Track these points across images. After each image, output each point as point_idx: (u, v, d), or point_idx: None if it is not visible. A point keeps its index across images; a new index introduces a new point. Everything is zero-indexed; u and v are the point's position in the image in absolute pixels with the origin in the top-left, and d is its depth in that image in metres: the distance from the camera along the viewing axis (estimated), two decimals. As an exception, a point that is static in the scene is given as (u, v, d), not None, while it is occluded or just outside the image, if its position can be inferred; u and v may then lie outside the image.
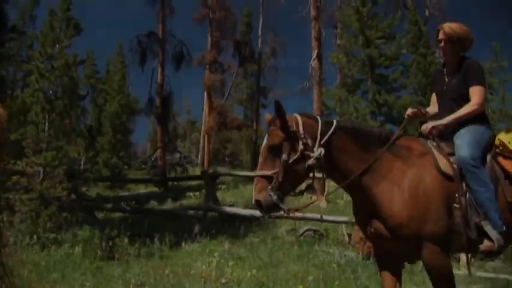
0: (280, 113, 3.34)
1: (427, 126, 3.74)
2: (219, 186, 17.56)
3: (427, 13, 27.60)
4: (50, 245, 8.94)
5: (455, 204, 3.33)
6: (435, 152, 3.53)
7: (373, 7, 15.64)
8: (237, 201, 16.12)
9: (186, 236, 10.24)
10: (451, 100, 3.85)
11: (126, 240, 8.87)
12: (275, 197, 3.21)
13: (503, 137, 3.77)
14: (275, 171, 3.27)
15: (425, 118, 4.01)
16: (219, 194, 15.20)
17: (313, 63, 20.57)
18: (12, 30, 16.95)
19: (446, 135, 3.74)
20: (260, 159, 3.44)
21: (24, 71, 23.47)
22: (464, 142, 3.54)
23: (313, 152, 3.35)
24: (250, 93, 36.41)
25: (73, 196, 12.50)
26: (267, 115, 3.61)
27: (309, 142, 3.37)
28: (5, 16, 15.57)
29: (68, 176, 11.39)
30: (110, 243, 8.55)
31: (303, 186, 3.76)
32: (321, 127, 3.45)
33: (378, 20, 15.51)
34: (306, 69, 21.86)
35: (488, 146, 3.65)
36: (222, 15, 28.95)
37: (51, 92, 12.38)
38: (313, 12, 20.95)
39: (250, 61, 33.41)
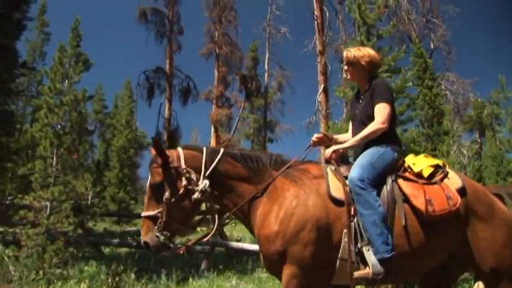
0: (158, 150, 3.34)
1: (328, 151, 3.66)
2: (226, 221, 17.46)
3: (432, 45, 27.80)
4: (55, 281, 8.83)
5: (344, 230, 3.22)
6: (330, 176, 3.45)
7: (378, 41, 15.74)
8: (244, 236, 15.99)
9: (193, 271, 10.12)
10: (360, 123, 3.80)
11: (132, 276, 8.77)
12: (162, 238, 3.20)
13: (409, 159, 3.71)
14: (159, 211, 3.25)
15: (331, 143, 3.94)
16: (226, 229, 15.10)
17: (320, 97, 20.66)
18: (22, 66, 17.18)
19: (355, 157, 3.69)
20: (145, 199, 3.41)
21: (33, 106, 23.79)
22: (357, 164, 3.48)
23: (197, 185, 3.32)
24: (257, 128, 36.51)
25: (80, 231, 12.47)
26: (152, 151, 3.50)
27: (193, 176, 3.35)
28: (15, 52, 15.81)
29: (74, 211, 11.34)
30: (117, 279, 8.46)
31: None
32: (205, 158, 3.43)
33: (383, 53, 15.53)
34: (312, 103, 21.96)
35: (389, 168, 3.55)
36: (228, 50, 29.23)
37: (59, 126, 12.46)
38: (318, 47, 21.16)
39: (257, 95, 33.60)
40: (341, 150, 3.65)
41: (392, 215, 3.32)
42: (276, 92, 34.61)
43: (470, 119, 22.62)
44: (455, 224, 3.40)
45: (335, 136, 4.12)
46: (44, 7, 30.96)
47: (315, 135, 3.94)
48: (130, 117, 28.14)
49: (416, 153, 11.07)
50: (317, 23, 21.48)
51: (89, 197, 22.76)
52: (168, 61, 27.79)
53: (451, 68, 28.06)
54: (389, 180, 3.47)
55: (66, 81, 21.13)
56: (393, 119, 3.75)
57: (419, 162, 3.64)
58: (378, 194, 3.36)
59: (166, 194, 3.26)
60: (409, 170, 3.63)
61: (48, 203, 10.69)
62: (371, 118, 3.66)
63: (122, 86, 31.56)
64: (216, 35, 29.84)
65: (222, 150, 3.55)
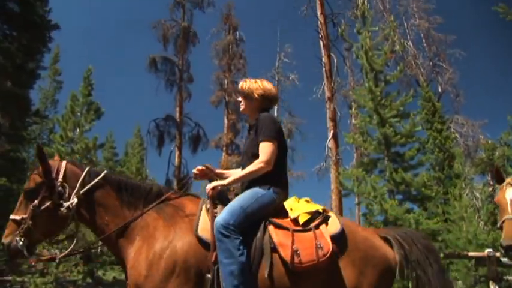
0: (40, 158, 3.30)
1: (208, 187, 3.46)
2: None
3: (439, 89, 27.94)
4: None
5: (208, 275, 3.07)
6: (203, 215, 3.29)
7: (386, 86, 15.87)
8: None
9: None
10: (247, 159, 3.63)
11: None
12: (20, 243, 3.11)
13: (288, 204, 3.47)
14: (24, 216, 3.18)
15: (214, 177, 3.75)
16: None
17: (329, 143, 20.66)
18: (35, 114, 17.47)
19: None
20: (17, 203, 3.34)
21: (44, 153, 23.98)
22: (228, 207, 3.28)
23: (66, 201, 3.25)
24: (267, 174, 36.39)
25: (89, 280, 12.34)
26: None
27: (66, 191, 3.28)
28: (29, 101, 16.13)
29: (84, 260, 11.26)
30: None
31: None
32: (84, 177, 3.36)
33: (392, 98, 15.68)
34: (322, 149, 21.97)
35: (265, 212, 3.34)
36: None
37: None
38: (327, 93, 21.32)
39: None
40: (219, 187, 3.47)
41: (258, 264, 3.13)
42: (286, 138, 34.64)
43: (482, 161, 22.41)
44: (328, 273, 3.21)
45: (224, 171, 3.93)
46: (56, 56, 31.71)
47: (197, 168, 3.79)
48: (141, 165, 28.23)
49: (428, 198, 10.97)
50: (325, 70, 21.72)
51: (98, 246, 22.72)
52: (178, 109, 28.07)
53: (459, 110, 28.09)
54: (261, 227, 3.27)
55: (78, 130, 21.46)
56: (281, 157, 3.57)
57: (297, 208, 3.42)
58: (250, 240, 3.18)
59: (35, 202, 3.20)
60: (287, 215, 3.41)
61: (57, 251, 10.63)
62: (255, 155, 3.50)
63: (132, 133, 31.92)
64: (226, 82, 30.28)
65: (103, 173, 3.47)
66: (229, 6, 32.42)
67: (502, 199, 4.01)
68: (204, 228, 3.19)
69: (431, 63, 29.24)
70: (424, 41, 30.24)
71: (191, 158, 28.63)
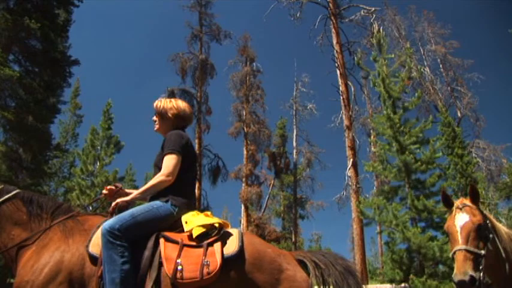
0: None
1: (112, 203, 3.42)
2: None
3: (459, 114, 27.65)
4: None
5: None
6: (98, 230, 3.19)
7: (405, 113, 15.79)
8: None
9: None
10: (154, 173, 3.62)
11: None
12: None
13: (184, 217, 3.36)
14: None
15: (123, 195, 3.71)
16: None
17: (349, 172, 20.56)
18: (55, 148, 17.71)
19: None
20: None
21: (65, 187, 24.20)
22: (119, 214, 3.22)
23: None
24: (288, 205, 36.14)
25: None
26: None
27: None
28: (49, 135, 16.35)
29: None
30: None
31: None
32: None
33: (410, 125, 15.58)
34: (342, 178, 21.83)
35: (158, 224, 3.27)
36: (256, 129, 29.58)
37: (91, 208, 12.58)
38: (346, 122, 21.31)
39: (286, 172, 33.61)
40: (120, 203, 3.39)
41: (145, 276, 3.05)
42: (305, 168, 34.54)
43: (505, 185, 22.01)
44: None
45: (134, 190, 3.85)
46: (77, 90, 32.32)
47: (105, 187, 3.80)
48: (161, 197, 28.30)
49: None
50: (343, 99, 21.76)
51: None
52: (197, 141, 28.18)
53: (480, 135, 27.67)
54: (152, 238, 3.20)
55: (98, 163, 21.69)
56: (186, 171, 3.57)
57: (192, 221, 3.31)
58: (141, 252, 3.12)
59: None
60: (183, 229, 3.33)
61: None
62: (160, 170, 3.49)
63: (151, 166, 32.01)
64: (244, 113, 30.37)
65: (15, 191, 3.51)
66: (245, 38, 32.79)
67: (451, 227, 3.60)
68: (96, 243, 3.13)
69: (449, 88, 29.06)
70: (441, 66, 30.12)
71: (211, 190, 28.67)
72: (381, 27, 18.88)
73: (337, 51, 22.51)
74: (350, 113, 21.54)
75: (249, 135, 30.18)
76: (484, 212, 3.67)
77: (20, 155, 15.00)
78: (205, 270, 3.00)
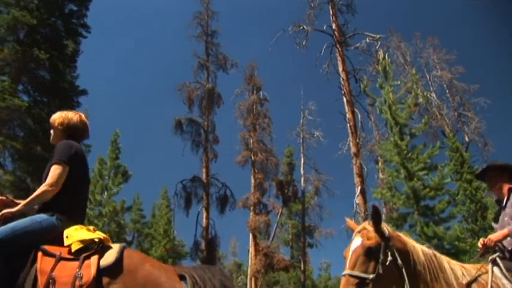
0: None
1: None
2: None
3: (466, 139, 27.51)
4: None
5: None
6: None
7: (412, 139, 15.76)
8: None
9: None
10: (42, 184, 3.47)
11: None
12: None
13: (67, 231, 3.26)
14: None
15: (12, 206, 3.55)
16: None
17: (358, 199, 20.41)
18: (63, 178, 17.72)
19: None
20: None
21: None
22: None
23: None
24: (296, 233, 35.81)
25: None
26: None
27: None
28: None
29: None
30: None
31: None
32: None
33: (418, 151, 15.53)
34: (350, 205, 21.65)
35: (40, 237, 3.16)
36: (263, 157, 29.55)
37: None
38: (353, 149, 21.24)
39: (294, 201, 33.41)
40: (5, 213, 3.29)
41: None
42: (313, 196, 34.34)
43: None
44: None
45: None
46: (84, 120, 32.44)
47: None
48: (168, 226, 28.11)
49: (463, 251, 10.59)
50: (349, 126, 21.74)
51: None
52: (204, 170, 28.20)
53: (488, 159, 27.34)
54: (32, 252, 3.09)
55: (106, 193, 21.70)
56: (75, 183, 3.49)
57: (73, 236, 3.22)
58: (20, 265, 3.02)
59: None
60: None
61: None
62: None
63: (159, 195, 32.00)
64: (251, 142, 30.39)
65: None
66: (252, 66, 33.03)
67: (347, 251, 3.56)
68: None
69: (456, 113, 29.04)
70: (447, 91, 30.19)
71: (219, 219, 28.50)
72: (386, 54, 19.00)
73: (343, 78, 22.60)
74: (357, 140, 21.49)
75: (256, 163, 30.14)
76: (390, 233, 3.60)
77: (28, 185, 15.01)
78: (77, 283, 2.92)
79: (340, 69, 23.02)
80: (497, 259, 3.73)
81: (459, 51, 32.01)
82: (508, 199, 4.12)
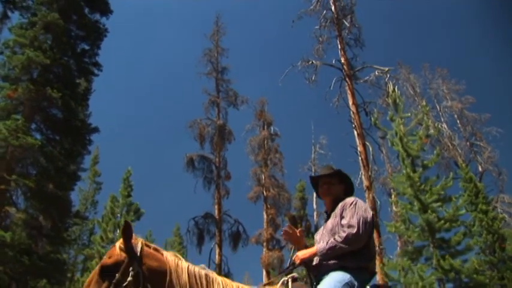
0: None
1: None
2: None
3: (480, 168, 27.22)
4: None
5: None
6: None
7: (424, 171, 15.63)
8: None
9: None
10: None
11: None
12: None
13: None
14: None
15: None
16: None
17: (371, 233, 20.13)
18: (75, 216, 17.77)
19: None
20: None
21: (85, 255, 24.07)
22: None
23: None
24: (310, 269, 35.38)
25: None
26: None
27: None
28: (69, 202, 16.46)
29: None
30: None
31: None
32: None
33: (431, 183, 15.38)
34: (364, 239, 21.29)
35: None
36: (276, 192, 29.43)
37: None
38: (365, 182, 21.06)
39: (308, 235, 33.04)
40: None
41: None
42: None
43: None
44: None
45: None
46: (96, 158, 32.73)
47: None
48: (181, 263, 27.91)
49: (482, 285, 10.36)
50: (361, 159, 21.61)
51: None
52: (216, 206, 28.04)
53: (504, 189, 27.07)
54: None
55: (118, 231, 21.60)
56: None
57: None
58: None
59: None
60: None
61: None
62: None
63: (172, 232, 31.86)
64: (263, 177, 30.30)
65: None
66: (262, 102, 33.25)
67: None
68: None
69: (468, 143, 28.86)
70: (458, 121, 30.10)
71: (232, 255, 28.18)
72: (396, 87, 19.03)
73: (353, 112, 22.60)
74: (369, 173, 21.33)
75: (268, 199, 30.00)
76: (145, 250, 3.25)
77: (40, 223, 15.07)
78: None
79: (350, 102, 23.04)
80: (289, 281, 3.64)
81: (468, 81, 32.14)
82: (332, 211, 3.95)
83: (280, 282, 3.65)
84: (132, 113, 72.83)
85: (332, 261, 3.57)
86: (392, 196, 21.14)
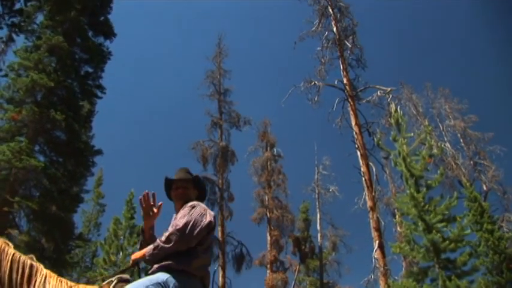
0: None
1: None
2: None
3: (484, 187, 27.08)
4: None
5: None
6: None
7: (428, 191, 15.56)
8: None
9: None
10: None
11: None
12: None
13: None
14: None
15: None
16: None
17: (376, 254, 19.98)
18: (78, 238, 17.71)
19: None
20: None
21: (87, 277, 23.89)
22: None
23: None
24: (315, 291, 35.13)
25: None
26: None
27: None
28: (72, 224, 16.44)
29: None
30: None
31: None
32: None
33: (435, 203, 15.29)
34: (369, 260, 21.18)
35: None
36: (279, 214, 29.34)
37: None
38: (369, 203, 20.98)
39: (312, 257, 32.86)
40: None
41: None
42: (331, 252, 33.80)
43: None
44: None
45: None
46: (100, 179, 32.69)
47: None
48: (184, 286, 27.71)
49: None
50: (365, 180, 21.57)
51: None
52: (220, 228, 27.91)
53: (509, 208, 26.83)
54: None
55: (121, 253, 21.50)
56: None
57: None
58: None
59: None
60: None
61: None
62: None
63: (175, 255, 31.62)
64: (266, 199, 30.26)
65: None
66: (265, 123, 33.35)
67: None
68: None
69: (471, 162, 28.78)
70: (461, 140, 30.08)
71: (235, 277, 27.96)
72: (398, 107, 19.07)
73: (356, 132, 22.63)
74: (373, 193, 21.25)
75: (272, 220, 29.91)
76: None
77: (42, 245, 15.02)
78: None
79: (353, 123, 23.09)
80: (114, 281, 3.57)
81: (471, 100, 32.22)
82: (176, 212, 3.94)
83: (106, 282, 3.63)
84: (135, 134, 73.01)
85: (160, 262, 3.51)
86: (397, 216, 21.04)
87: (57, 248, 15.31)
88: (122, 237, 21.89)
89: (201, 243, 3.64)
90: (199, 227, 3.54)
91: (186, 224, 3.51)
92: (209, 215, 3.73)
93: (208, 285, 3.81)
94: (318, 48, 25.84)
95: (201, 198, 4.15)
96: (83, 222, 30.39)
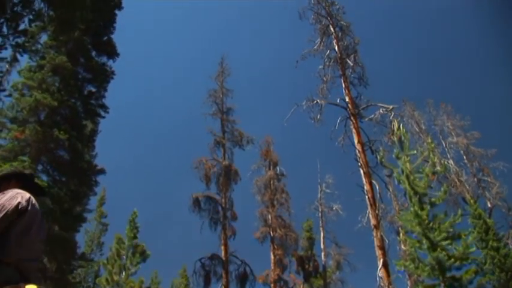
0: None
1: None
2: None
3: (489, 204, 26.93)
4: None
5: None
6: None
7: (432, 208, 15.47)
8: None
9: None
10: None
11: None
12: None
13: None
14: None
15: None
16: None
17: (380, 272, 19.80)
18: (81, 258, 17.64)
19: None
20: None
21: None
22: None
23: None
24: (319, 310, 34.82)
25: None
26: None
27: None
28: (75, 244, 16.39)
29: None
30: None
31: None
32: None
33: (439, 220, 15.20)
34: (373, 279, 20.99)
35: None
36: (282, 233, 29.22)
37: None
38: (373, 221, 20.85)
39: (316, 276, 32.63)
40: None
41: None
42: (335, 270, 33.56)
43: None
44: None
45: None
46: (102, 199, 32.65)
47: None
48: (188, 306, 27.55)
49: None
50: (368, 198, 21.46)
51: None
52: (223, 247, 27.77)
53: (515, 224, 26.72)
54: None
55: (124, 273, 21.42)
56: None
57: None
58: None
59: None
60: None
61: None
62: None
63: (178, 274, 31.50)
64: (269, 218, 30.14)
65: None
66: (268, 142, 33.37)
67: None
68: None
69: (475, 179, 28.69)
70: (464, 157, 30.09)
71: (239, 296, 27.75)
72: (401, 124, 19.04)
73: (359, 150, 22.56)
74: (376, 211, 21.11)
75: (275, 239, 29.78)
76: None
77: (44, 265, 14.94)
78: None
79: (356, 141, 23.04)
80: None
81: (473, 116, 32.26)
82: None
83: None
84: (138, 154, 73.19)
85: None
86: (401, 234, 20.90)
87: (60, 268, 15.24)
88: (124, 257, 21.82)
89: (13, 227, 3.38)
90: (6, 209, 3.33)
91: None
92: (21, 197, 3.51)
93: (33, 278, 3.40)
94: (320, 67, 25.92)
95: (28, 189, 3.86)
96: (86, 242, 30.35)
